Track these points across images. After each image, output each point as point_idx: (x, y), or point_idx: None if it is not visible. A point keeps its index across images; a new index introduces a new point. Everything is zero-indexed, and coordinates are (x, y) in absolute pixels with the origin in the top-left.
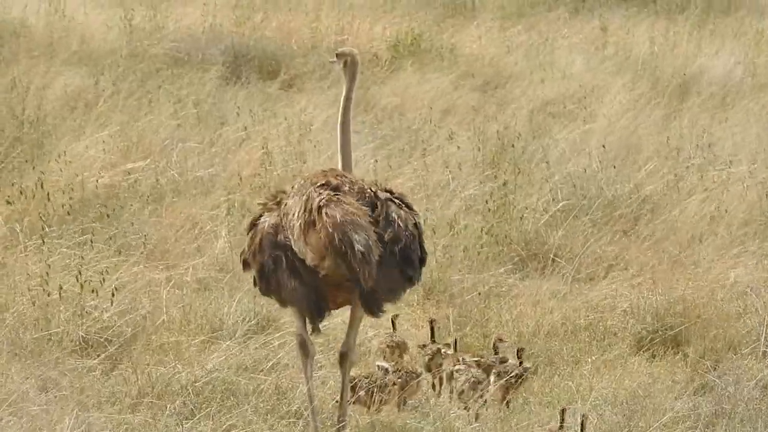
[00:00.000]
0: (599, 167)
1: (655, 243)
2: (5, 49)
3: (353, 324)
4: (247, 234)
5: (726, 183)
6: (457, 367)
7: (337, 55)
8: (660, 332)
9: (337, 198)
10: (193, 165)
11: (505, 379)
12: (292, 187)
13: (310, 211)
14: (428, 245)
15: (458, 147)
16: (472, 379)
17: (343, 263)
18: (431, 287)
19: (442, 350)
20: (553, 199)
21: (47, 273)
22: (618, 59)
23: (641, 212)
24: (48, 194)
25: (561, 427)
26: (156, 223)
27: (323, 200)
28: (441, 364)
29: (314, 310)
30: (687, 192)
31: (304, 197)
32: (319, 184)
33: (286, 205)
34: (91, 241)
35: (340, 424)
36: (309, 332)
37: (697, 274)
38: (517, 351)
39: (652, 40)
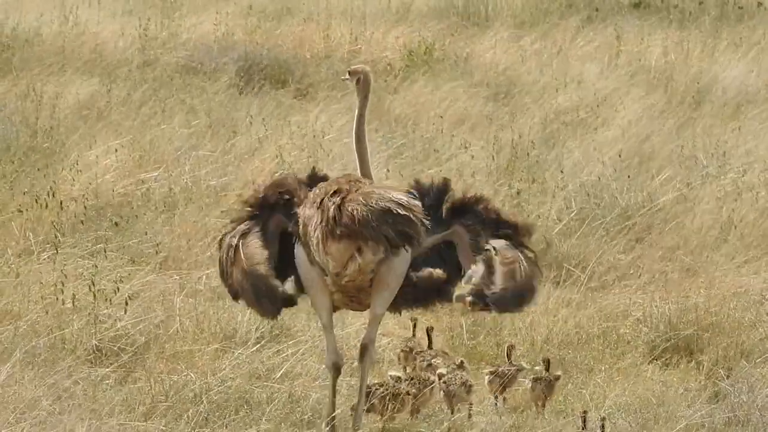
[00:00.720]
0: (613, 176)
1: (668, 251)
2: (18, 58)
3: (373, 321)
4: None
5: (739, 191)
6: (443, 369)
7: (349, 72)
8: (673, 340)
9: (356, 189)
10: (206, 174)
11: (543, 383)
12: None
13: (327, 221)
14: None
15: (472, 156)
16: (463, 381)
17: (393, 225)
18: None
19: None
20: (567, 208)
21: (62, 282)
22: (632, 68)
23: (654, 220)
24: (61, 203)
25: (584, 428)
26: (169, 231)
27: (339, 200)
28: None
29: (264, 297)
30: (700, 200)
31: (320, 209)
32: (331, 192)
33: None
34: (105, 250)
35: (356, 424)
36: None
37: (710, 282)
38: (545, 361)
39: (665, 49)
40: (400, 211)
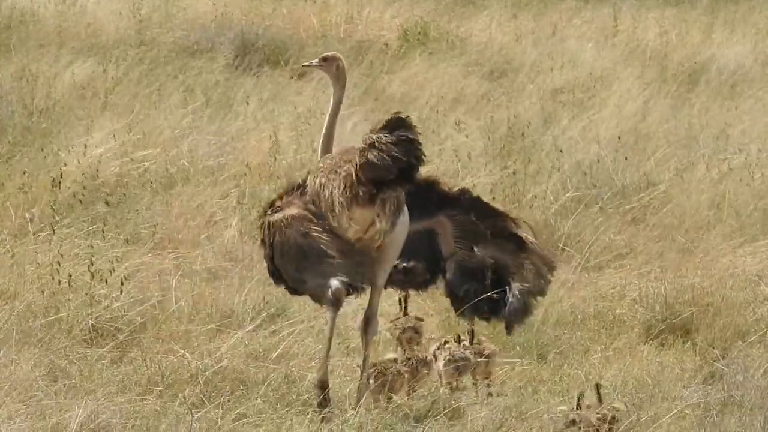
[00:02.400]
0: (609, 156)
1: (664, 231)
2: (15, 38)
3: (375, 293)
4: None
5: (735, 171)
6: (436, 345)
7: (325, 59)
8: (669, 321)
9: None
10: (203, 154)
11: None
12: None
13: (352, 185)
14: None
15: (466, 136)
16: (451, 358)
17: (390, 135)
18: None
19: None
20: (563, 188)
21: (58, 262)
22: (628, 48)
23: (651, 201)
24: (60, 183)
25: (578, 407)
26: (166, 212)
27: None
28: (411, 339)
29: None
30: (696, 180)
31: (343, 174)
32: (349, 160)
33: (313, 184)
34: (103, 231)
35: (360, 396)
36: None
37: (706, 262)
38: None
39: (662, 28)
40: (392, 117)
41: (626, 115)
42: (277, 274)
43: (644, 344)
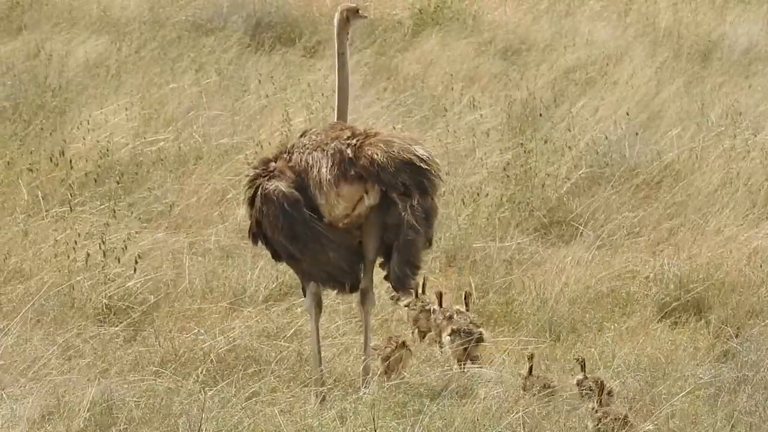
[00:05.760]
0: (622, 134)
1: (677, 209)
2: (28, 16)
3: (369, 266)
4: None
5: (748, 149)
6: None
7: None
8: (682, 299)
9: (374, 135)
10: (216, 132)
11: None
12: (293, 146)
13: (341, 162)
14: (451, 212)
15: (481, 115)
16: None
17: (410, 175)
18: (454, 254)
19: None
20: (576, 166)
21: (75, 241)
22: (641, 26)
23: (663, 178)
24: (71, 162)
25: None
26: (179, 190)
27: (357, 143)
28: (428, 320)
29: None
30: (709, 158)
31: (330, 152)
32: (344, 137)
33: (299, 162)
34: (114, 209)
35: (366, 368)
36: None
37: (719, 240)
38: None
39: (675, 6)
40: (421, 165)
41: (639, 93)
42: (260, 238)
43: (658, 322)
